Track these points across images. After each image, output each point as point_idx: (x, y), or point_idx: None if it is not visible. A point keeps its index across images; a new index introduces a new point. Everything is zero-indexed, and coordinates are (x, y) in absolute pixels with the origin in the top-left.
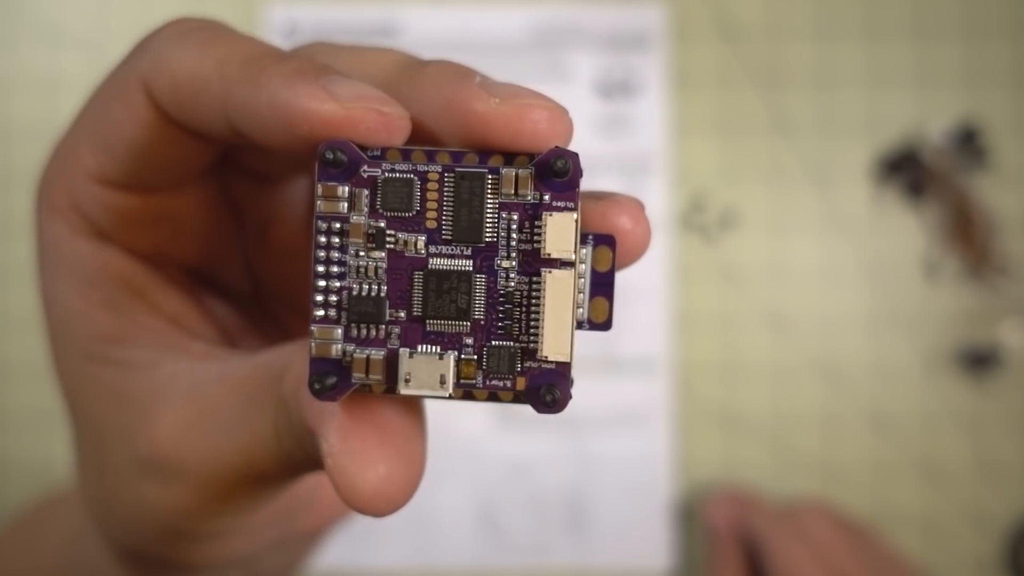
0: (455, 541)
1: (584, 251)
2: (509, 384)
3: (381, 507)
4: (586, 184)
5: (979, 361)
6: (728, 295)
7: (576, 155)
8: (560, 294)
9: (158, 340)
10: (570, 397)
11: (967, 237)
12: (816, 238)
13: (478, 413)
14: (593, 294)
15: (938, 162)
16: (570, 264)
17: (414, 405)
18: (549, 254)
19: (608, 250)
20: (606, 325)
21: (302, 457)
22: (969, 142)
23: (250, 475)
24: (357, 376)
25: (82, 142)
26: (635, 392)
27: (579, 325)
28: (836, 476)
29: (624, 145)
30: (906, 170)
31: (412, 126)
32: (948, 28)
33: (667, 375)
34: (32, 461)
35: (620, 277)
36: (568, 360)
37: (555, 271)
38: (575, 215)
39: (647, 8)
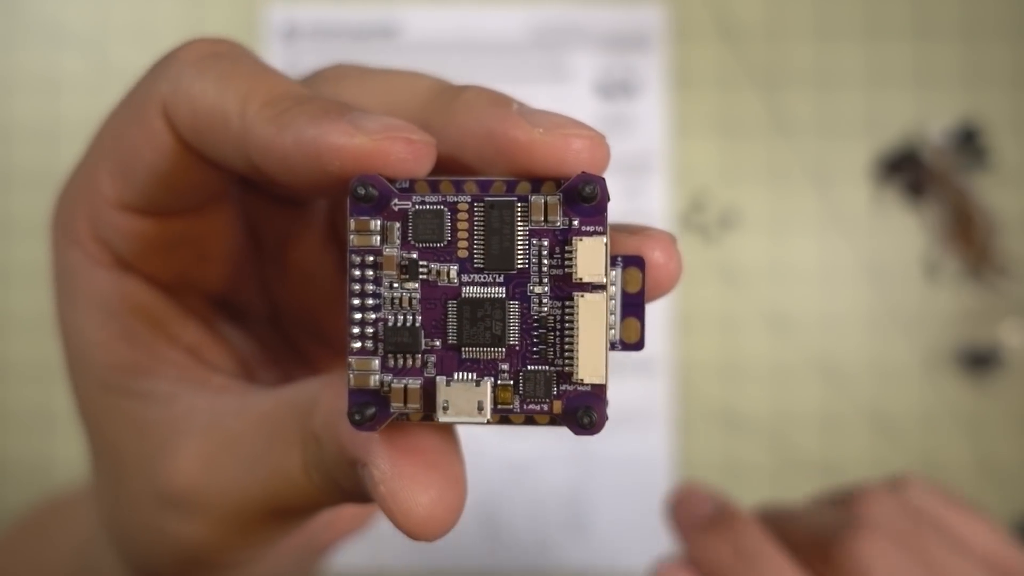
0: (455, 541)
1: (614, 273)
2: (546, 408)
3: (434, 530)
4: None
5: (979, 361)
6: (728, 295)
7: (603, 180)
8: (593, 317)
9: (177, 372)
10: (607, 418)
11: (967, 237)
12: (816, 238)
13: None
14: (624, 315)
15: (938, 162)
16: (602, 287)
17: (448, 428)
18: (581, 279)
19: (638, 271)
20: (639, 345)
21: (332, 490)
22: (969, 142)
23: (273, 509)
24: (395, 406)
25: (100, 168)
26: (635, 392)
27: (612, 346)
28: (836, 476)
29: (624, 145)
30: (906, 170)
31: (440, 155)
32: (948, 28)
33: (667, 375)
34: (32, 461)
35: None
36: (604, 382)
37: (587, 295)
38: (604, 239)
39: (647, 8)
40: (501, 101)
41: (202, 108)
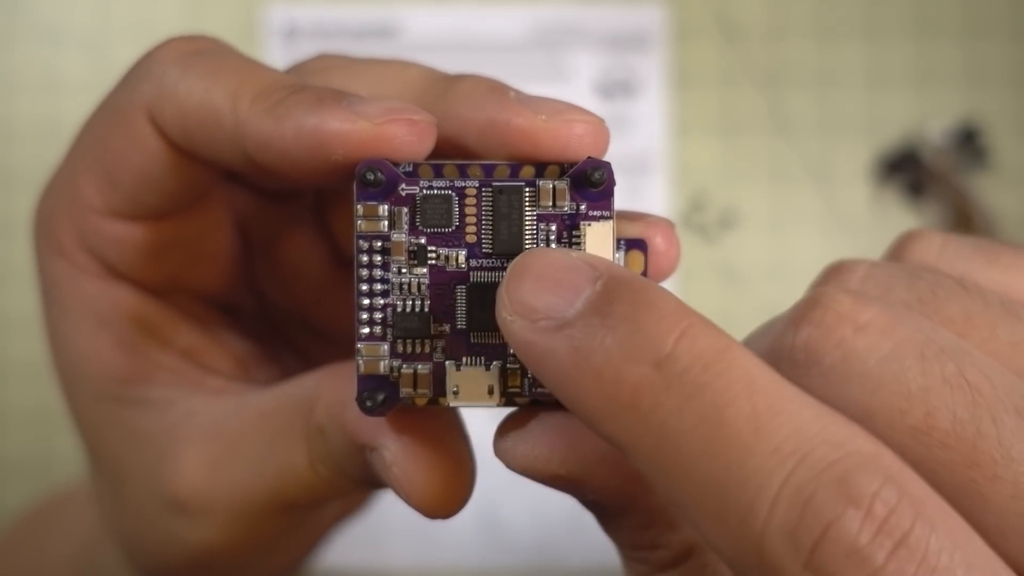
0: (457, 541)
1: (617, 256)
2: None
3: (448, 508)
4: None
5: None
6: (728, 295)
7: (610, 165)
8: None
9: (173, 378)
10: None
11: None
12: (816, 238)
13: (480, 412)
14: None
15: (938, 162)
16: None
17: (452, 410)
18: None
19: (640, 254)
20: None
21: (340, 481)
22: (969, 142)
23: (281, 506)
24: (405, 391)
25: (83, 176)
26: None
27: None
28: None
29: (624, 145)
30: (906, 170)
31: (437, 141)
32: (949, 27)
33: None
34: (32, 461)
35: None
36: None
37: None
38: (612, 224)
39: (647, 8)
40: (499, 89)
41: (190, 107)
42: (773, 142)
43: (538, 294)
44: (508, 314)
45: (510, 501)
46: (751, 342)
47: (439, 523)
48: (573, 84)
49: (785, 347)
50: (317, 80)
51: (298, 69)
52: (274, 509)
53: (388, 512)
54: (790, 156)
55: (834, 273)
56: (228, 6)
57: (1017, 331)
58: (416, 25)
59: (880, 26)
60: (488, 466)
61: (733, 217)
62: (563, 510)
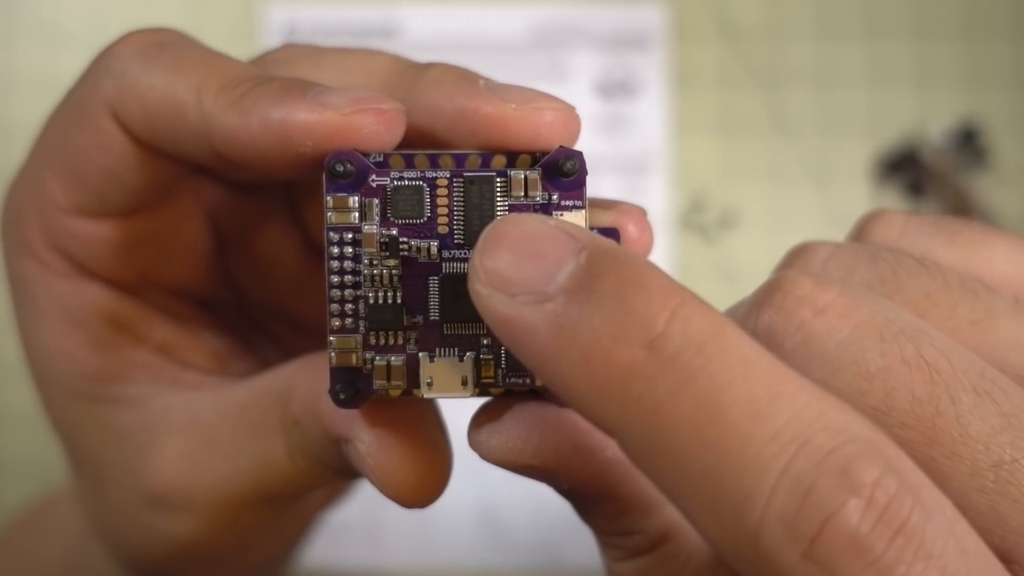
0: (457, 540)
1: None
2: (528, 380)
3: (423, 498)
4: (588, 183)
5: None
6: (728, 295)
7: (582, 154)
8: None
9: (148, 374)
10: None
11: None
12: (816, 237)
13: (468, 403)
14: None
15: (938, 162)
16: None
17: (426, 400)
18: None
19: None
20: None
21: (318, 471)
22: (969, 142)
23: (261, 497)
24: (379, 383)
25: (48, 175)
26: None
27: None
28: None
29: (624, 145)
30: (906, 170)
31: (407, 130)
32: (948, 28)
33: None
34: (32, 461)
35: None
36: None
37: None
38: (584, 213)
39: (647, 8)
40: (468, 77)
41: (153, 103)
42: (773, 142)
43: (516, 265)
44: (482, 286)
45: (510, 500)
46: None
47: (439, 523)
48: (573, 84)
49: (747, 330)
50: (283, 71)
51: (263, 60)
52: (255, 501)
53: (387, 511)
54: (790, 156)
55: (797, 255)
56: (228, 6)
57: (976, 309)
58: (416, 25)
59: (880, 26)
60: (488, 466)
61: (733, 217)
62: (563, 509)
